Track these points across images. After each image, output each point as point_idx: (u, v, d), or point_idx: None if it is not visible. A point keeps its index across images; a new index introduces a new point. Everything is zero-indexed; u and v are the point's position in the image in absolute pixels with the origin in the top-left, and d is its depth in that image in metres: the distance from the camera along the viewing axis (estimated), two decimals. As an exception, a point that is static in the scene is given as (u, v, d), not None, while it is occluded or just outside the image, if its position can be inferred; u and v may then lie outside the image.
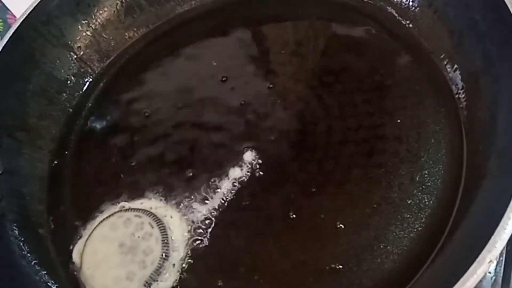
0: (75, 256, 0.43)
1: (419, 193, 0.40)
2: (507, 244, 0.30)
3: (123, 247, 0.40)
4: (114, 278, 0.38)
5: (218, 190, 0.44)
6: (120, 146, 0.50)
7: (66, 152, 0.52)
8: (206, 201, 0.44)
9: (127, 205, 0.44)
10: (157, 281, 0.38)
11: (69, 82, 0.57)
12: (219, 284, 0.39)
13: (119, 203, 0.46)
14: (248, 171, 0.45)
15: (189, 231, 0.42)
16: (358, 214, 0.40)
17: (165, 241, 0.39)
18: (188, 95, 0.53)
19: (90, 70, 0.59)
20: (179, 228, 0.42)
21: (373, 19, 0.53)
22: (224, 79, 0.53)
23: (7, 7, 0.71)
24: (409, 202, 0.40)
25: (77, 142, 0.53)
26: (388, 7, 0.54)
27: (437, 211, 0.39)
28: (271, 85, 0.51)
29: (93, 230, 0.42)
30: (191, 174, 0.46)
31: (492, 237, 0.29)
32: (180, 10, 0.62)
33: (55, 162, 0.51)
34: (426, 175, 0.41)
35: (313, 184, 0.43)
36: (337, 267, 0.38)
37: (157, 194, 0.45)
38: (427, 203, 0.40)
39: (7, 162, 0.48)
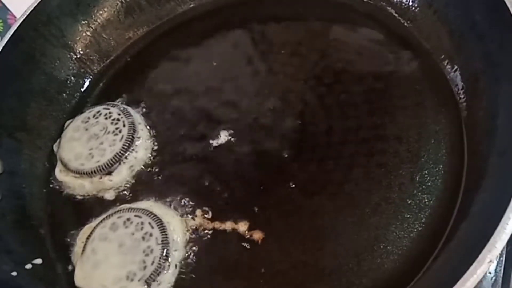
0: (75, 256, 0.43)
1: (419, 193, 0.40)
2: (507, 244, 0.30)
3: (123, 247, 0.40)
4: (114, 278, 0.38)
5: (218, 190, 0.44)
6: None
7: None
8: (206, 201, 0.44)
9: (127, 205, 0.44)
10: (157, 281, 0.38)
11: (69, 82, 0.57)
12: (219, 284, 0.39)
13: (119, 203, 0.46)
14: (248, 171, 0.45)
15: (189, 231, 0.42)
16: (358, 214, 0.40)
17: (165, 241, 0.39)
18: (188, 95, 0.53)
19: (90, 70, 0.59)
20: (179, 229, 0.42)
21: (373, 19, 0.53)
22: (224, 79, 0.53)
23: (7, 8, 0.71)
24: (409, 202, 0.40)
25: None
26: (388, 7, 0.54)
27: (437, 211, 0.39)
28: (272, 86, 0.51)
29: (93, 230, 0.42)
30: (192, 174, 0.46)
31: (492, 237, 0.29)
32: (180, 11, 0.62)
33: (55, 162, 0.51)
34: (426, 175, 0.41)
35: (313, 184, 0.43)
36: (337, 267, 0.38)
37: (157, 195, 0.45)
38: (427, 203, 0.40)
39: (7, 162, 0.48)
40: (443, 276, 0.34)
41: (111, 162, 0.46)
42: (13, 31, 0.51)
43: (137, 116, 0.50)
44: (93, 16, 0.59)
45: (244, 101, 0.50)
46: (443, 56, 0.48)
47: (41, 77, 0.54)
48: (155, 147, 0.49)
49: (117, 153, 0.46)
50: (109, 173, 0.46)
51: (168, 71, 0.57)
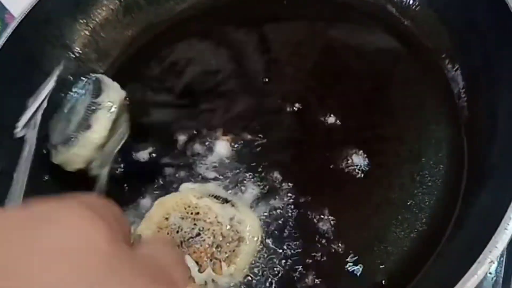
0: None
1: (420, 194, 0.40)
2: (508, 244, 0.30)
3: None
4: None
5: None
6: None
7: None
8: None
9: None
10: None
11: (67, 81, 0.56)
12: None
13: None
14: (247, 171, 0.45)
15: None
16: (358, 214, 0.40)
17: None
18: (187, 95, 0.53)
19: (88, 70, 0.58)
20: None
21: (374, 18, 0.53)
22: (223, 79, 0.53)
23: (5, 7, 0.71)
24: (409, 202, 0.40)
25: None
26: (388, 6, 0.54)
27: (437, 211, 0.39)
28: (271, 85, 0.51)
29: None
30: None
31: (493, 238, 0.29)
32: (179, 9, 0.62)
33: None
34: (426, 175, 0.41)
35: (313, 184, 0.43)
36: (337, 267, 0.38)
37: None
38: (427, 203, 0.40)
39: (7, 162, 0.47)
40: (443, 276, 0.34)
41: (86, 115, 0.45)
42: (11, 30, 0.51)
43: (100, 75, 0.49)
44: (92, 15, 0.59)
45: (243, 101, 0.50)
46: (443, 55, 0.47)
47: (40, 76, 0.54)
48: (153, 148, 0.49)
49: (88, 104, 0.45)
50: (88, 127, 0.45)
51: (166, 70, 0.56)
